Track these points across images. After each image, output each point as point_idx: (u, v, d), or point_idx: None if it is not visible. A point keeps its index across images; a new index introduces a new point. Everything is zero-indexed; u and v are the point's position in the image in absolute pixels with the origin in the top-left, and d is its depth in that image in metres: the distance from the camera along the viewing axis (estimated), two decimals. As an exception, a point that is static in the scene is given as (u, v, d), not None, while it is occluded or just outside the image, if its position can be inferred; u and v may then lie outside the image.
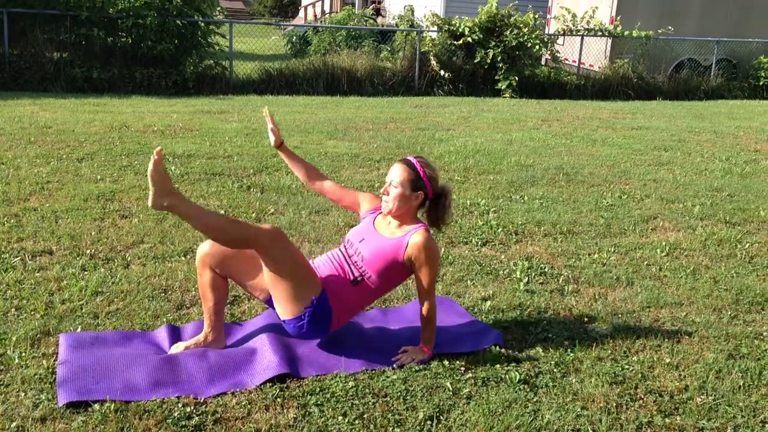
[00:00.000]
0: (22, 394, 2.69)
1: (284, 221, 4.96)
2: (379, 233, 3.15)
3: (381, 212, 3.21)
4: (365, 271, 3.08)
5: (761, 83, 15.09)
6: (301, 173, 3.50)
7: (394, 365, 3.02)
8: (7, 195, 5.26)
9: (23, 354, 2.99)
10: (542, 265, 4.34)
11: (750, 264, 4.56)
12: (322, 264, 3.15)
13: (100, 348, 3.04)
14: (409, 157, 3.18)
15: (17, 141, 7.13)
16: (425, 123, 9.70)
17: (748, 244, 4.94)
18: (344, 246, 3.21)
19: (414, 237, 3.03)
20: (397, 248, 3.05)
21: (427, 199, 3.16)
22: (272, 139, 3.48)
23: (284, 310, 2.99)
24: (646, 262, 4.50)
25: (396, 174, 3.10)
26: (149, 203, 2.89)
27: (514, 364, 3.09)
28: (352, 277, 3.08)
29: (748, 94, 15.07)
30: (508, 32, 13.27)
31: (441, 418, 2.68)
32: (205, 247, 3.11)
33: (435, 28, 13.78)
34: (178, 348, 3.11)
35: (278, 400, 2.74)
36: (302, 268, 2.97)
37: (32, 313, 3.38)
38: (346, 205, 3.47)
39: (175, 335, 3.25)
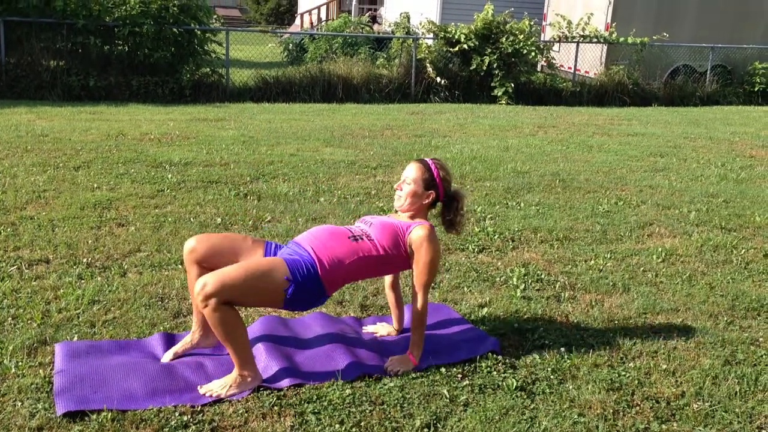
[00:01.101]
0: (19, 404, 2.69)
1: (281, 229, 4.96)
2: (392, 216, 3.27)
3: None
4: (368, 233, 3.10)
5: (756, 89, 15.15)
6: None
7: (387, 373, 3.02)
8: (3, 203, 5.26)
9: (20, 363, 2.98)
10: (539, 272, 4.35)
11: (746, 270, 4.57)
12: (310, 235, 3.11)
13: (97, 357, 3.04)
14: (426, 159, 3.28)
15: (14, 149, 7.13)
16: (422, 130, 9.72)
17: (743, 250, 4.95)
18: (358, 222, 3.27)
19: (419, 228, 3.09)
20: (403, 228, 3.11)
21: (438, 200, 3.25)
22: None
23: (275, 304, 2.95)
24: (642, 269, 4.51)
25: (411, 171, 3.21)
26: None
27: (510, 371, 3.09)
28: (351, 234, 3.07)
29: (743, 99, 15.12)
30: (504, 39, 13.32)
31: (438, 425, 2.68)
32: (191, 242, 3.07)
33: (431, 35, 13.82)
34: (167, 357, 3.09)
35: (275, 408, 2.74)
36: (255, 272, 2.84)
37: (29, 322, 3.37)
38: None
39: (171, 343, 3.24)
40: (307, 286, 2.91)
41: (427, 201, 3.20)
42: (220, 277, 2.75)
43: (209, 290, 2.71)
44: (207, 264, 3.04)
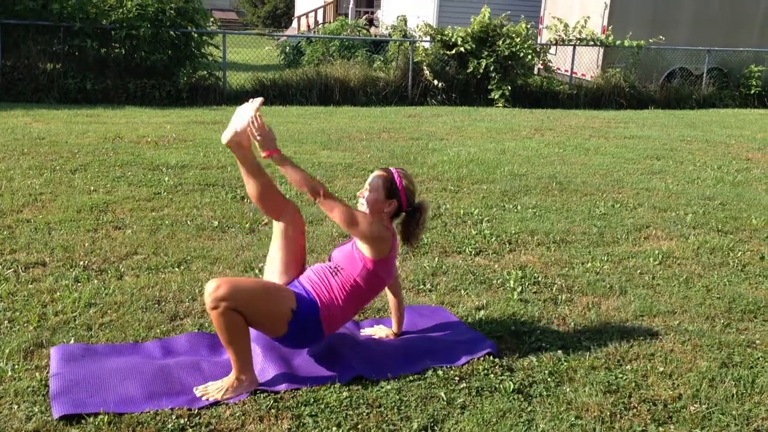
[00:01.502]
0: (15, 407, 2.68)
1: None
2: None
3: None
4: (338, 265, 3.12)
5: (752, 92, 15.18)
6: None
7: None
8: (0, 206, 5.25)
9: (16, 366, 2.98)
10: (536, 275, 4.35)
11: (742, 272, 4.58)
12: (308, 275, 3.14)
13: (93, 360, 3.03)
14: (389, 167, 3.26)
15: (10, 152, 7.12)
16: (418, 133, 9.73)
17: (740, 253, 4.96)
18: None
19: None
20: (353, 242, 3.15)
21: (402, 211, 3.21)
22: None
23: (272, 333, 2.97)
24: (639, 271, 4.51)
25: (373, 179, 3.20)
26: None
27: (508, 373, 3.09)
28: (331, 270, 3.10)
29: (739, 102, 15.16)
30: (501, 42, 13.33)
31: (435, 428, 2.68)
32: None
33: (428, 38, 13.84)
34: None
35: (272, 411, 2.74)
36: (268, 291, 2.92)
37: (25, 325, 3.37)
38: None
39: (167, 347, 3.24)
40: (307, 322, 2.96)
41: (388, 209, 3.16)
42: (235, 283, 2.79)
43: (221, 293, 2.73)
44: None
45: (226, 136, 3.11)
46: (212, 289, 2.74)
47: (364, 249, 3.07)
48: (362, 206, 3.18)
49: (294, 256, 3.18)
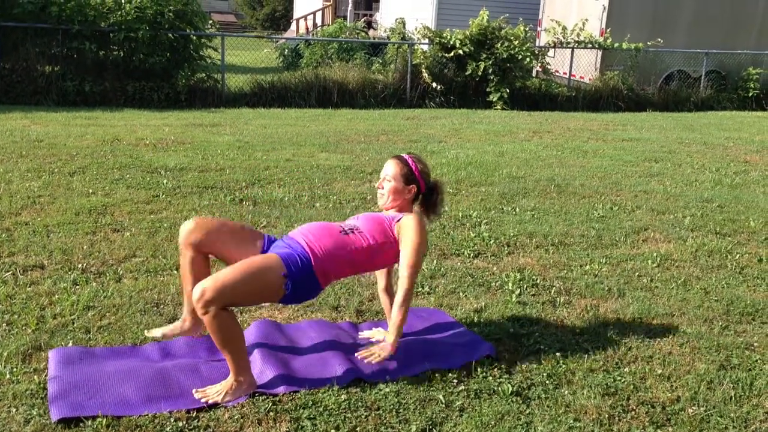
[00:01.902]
0: (14, 410, 2.68)
1: (276, 234, 4.96)
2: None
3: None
4: (357, 226, 3.15)
5: (750, 94, 15.20)
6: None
7: (364, 361, 3.07)
8: (-2, 209, 5.25)
9: (14, 369, 2.97)
10: (534, 277, 4.35)
11: (740, 275, 4.58)
12: (305, 229, 3.13)
13: (92, 363, 3.03)
14: (402, 154, 3.35)
15: (8, 155, 7.12)
16: (417, 135, 9.73)
17: (738, 255, 4.97)
18: (349, 219, 3.31)
19: (408, 216, 3.18)
20: (390, 219, 3.19)
21: (420, 193, 3.33)
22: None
23: (273, 300, 2.99)
24: (637, 273, 4.52)
25: (389, 169, 3.29)
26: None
27: (506, 376, 3.09)
28: (341, 229, 3.12)
29: (737, 105, 15.17)
30: (499, 45, 13.34)
31: (434, 431, 2.68)
32: (189, 224, 3.07)
33: (426, 40, 13.85)
34: (154, 333, 3.16)
35: (270, 414, 2.74)
36: (252, 273, 2.85)
37: (23, 327, 3.37)
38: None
39: (165, 349, 3.24)
40: (303, 279, 2.95)
41: (409, 195, 3.29)
42: (218, 283, 2.75)
43: (209, 297, 2.71)
44: (204, 249, 3.06)
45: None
46: (198, 295, 2.72)
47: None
48: (382, 197, 3.28)
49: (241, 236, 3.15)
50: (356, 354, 3.10)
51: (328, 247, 3.02)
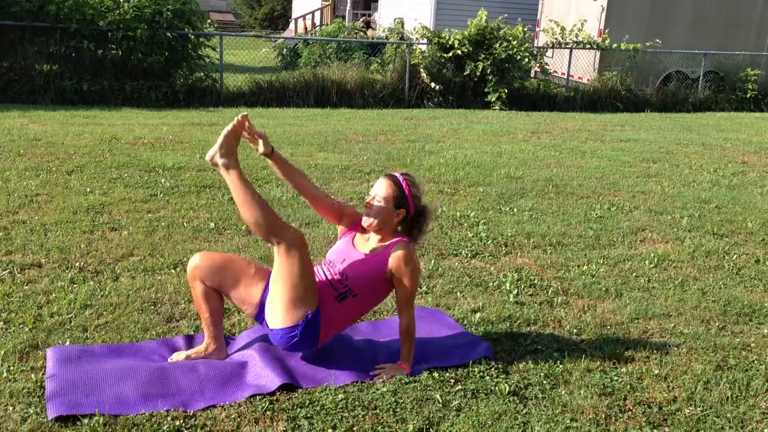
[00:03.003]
0: (11, 408, 2.68)
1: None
2: (361, 252, 3.15)
3: (357, 232, 3.24)
4: (350, 290, 3.07)
5: (748, 95, 15.22)
6: (293, 182, 3.37)
7: (373, 381, 3.02)
8: (-5, 208, 5.24)
9: (11, 368, 2.97)
10: (532, 277, 4.36)
11: (738, 275, 4.59)
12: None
13: (89, 361, 3.03)
14: (396, 174, 3.20)
15: (6, 153, 7.11)
16: (415, 135, 9.74)
17: (735, 256, 4.97)
18: (326, 266, 3.17)
19: (396, 250, 3.05)
20: (381, 263, 3.07)
21: (409, 216, 3.18)
22: (261, 147, 3.28)
23: (278, 318, 2.98)
24: (634, 274, 4.52)
25: (381, 189, 3.13)
26: (207, 155, 3.09)
27: (503, 376, 3.09)
28: (336, 293, 3.07)
29: (735, 106, 15.19)
30: (498, 45, 13.34)
31: (431, 430, 2.68)
32: (195, 260, 3.12)
33: (425, 40, 13.84)
34: (178, 356, 3.14)
35: (268, 413, 2.74)
36: (309, 280, 2.98)
37: (21, 326, 3.36)
38: (329, 217, 3.37)
39: (164, 347, 3.24)
40: (310, 331, 3.00)
41: (397, 219, 3.14)
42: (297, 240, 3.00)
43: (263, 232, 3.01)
44: (209, 282, 3.10)
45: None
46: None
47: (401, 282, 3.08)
48: (368, 218, 3.12)
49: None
50: (370, 373, 3.06)
51: (332, 324, 3.07)
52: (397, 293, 3.08)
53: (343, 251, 3.19)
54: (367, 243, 3.18)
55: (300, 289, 2.95)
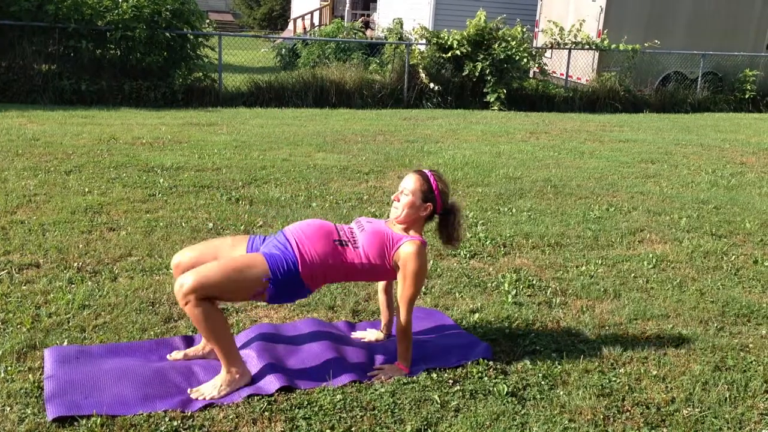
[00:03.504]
0: (8, 409, 2.67)
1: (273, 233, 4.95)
2: (388, 225, 3.19)
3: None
4: (356, 239, 3.08)
5: (747, 96, 15.24)
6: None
7: (371, 381, 3.01)
8: (-7, 208, 5.24)
9: (9, 368, 2.97)
10: (530, 278, 4.36)
11: (736, 276, 4.59)
12: (301, 228, 3.09)
13: (87, 362, 3.02)
14: (424, 169, 3.24)
15: (4, 153, 7.10)
16: (414, 135, 9.73)
17: (734, 257, 4.97)
18: (353, 223, 3.22)
19: (408, 244, 3.05)
20: (393, 241, 3.07)
21: (435, 213, 3.20)
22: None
23: (255, 299, 2.97)
24: (633, 275, 4.52)
25: (409, 182, 3.16)
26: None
27: (502, 376, 3.09)
28: (338, 237, 3.06)
29: (734, 107, 15.20)
30: (497, 45, 13.35)
31: (429, 431, 2.68)
32: (176, 258, 3.08)
33: (423, 41, 13.85)
34: (177, 355, 3.13)
35: (266, 413, 2.73)
36: (233, 269, 2.87)
37: (18, 326, 3.36)
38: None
39: (162, 347, 3.24)
40: (288, 283, 2.93)
41: (424, 213, 3.16)
42: (199, 276, 2.79)
43: (187, 288, 2.75)
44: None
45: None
46: (178, 287, 2.78)
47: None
48: (396, 210, 3.15)
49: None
50: (368, 373, 3.05)
51: (319, 254, 2.98)
52: (398, 287, 3.07)
53: (376, 221, 3.23)
54: (394, 227, 3.20)
55: (236, 285, 2.88)
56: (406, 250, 3.03)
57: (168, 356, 3.15)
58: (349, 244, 3.06)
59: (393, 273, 3.10)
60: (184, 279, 2.78)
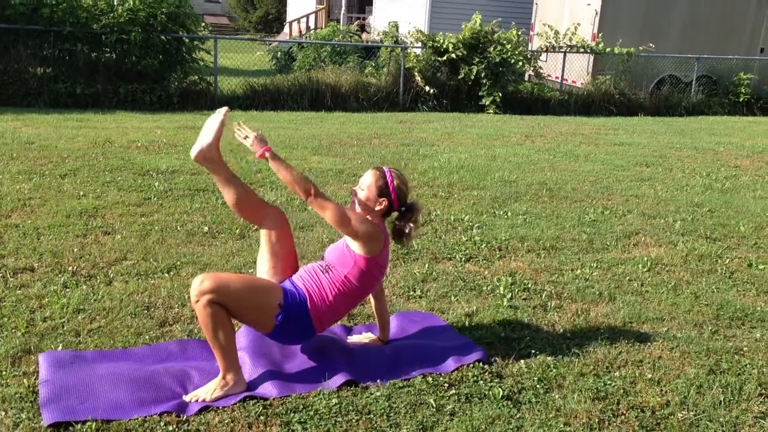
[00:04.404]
0: (3, 413, 2.67)
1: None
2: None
3: None
4: (329, 264, 3.17)
5: (741, 99, 15.29)
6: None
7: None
8: (-12, 211, 5.22)
9: (4, 373, 2.96)
10: (525, 281, 4.36)
11: (730, 279, 4.60)
12: (300, 273, 3.18)
13: (83, 367, 3.02)
14: (382, 166, 3.30)
15: (-1, 157, 7.09)
16: (409, 139, 9.74)
17: (728, 260, 4.99)
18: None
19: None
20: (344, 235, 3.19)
21: (393, 210, 3.25)
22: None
23: (261, 327, 3.01)
24: (628, 278, 4.53)
25: (365, 178, 3.25)
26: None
27: (497, 380, 3.10)
28: (322, 268, 3.14)
29: (728, 110, 15.25)
30: (492, 49, 13.38)
31: (424, 435, 2.68)
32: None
33: (419, 44, 13.87)
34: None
35: (261, 417, 2.73)
36: (253, 285, 2.97)
37: (13, 330, 3.35)
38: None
39: (156, 353, 3.23)
40: (296, 316, 2.99)
41: (379, 208, 3.20)
42: (219, 277, 2.84)
43: (206, 287, 2.78)
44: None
45: (194, 151, 3.17)
46: (198, 283, 2.80)
47: (356, 247, 3.11)
48: (352, 205, 3.24)
49: (282, 259, 3.18)
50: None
51: (322, 291, 3.06)
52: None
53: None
54: None
55: (252, 302, 2.95)
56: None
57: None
58: (329, 269, 3.13)
59: (367, 267, 3.12)
60: (206, 276, 2.82)
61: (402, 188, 3.24)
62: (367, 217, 3.18)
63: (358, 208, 3.21)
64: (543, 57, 15.00)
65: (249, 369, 3.05)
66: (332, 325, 3.31)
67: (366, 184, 3.22)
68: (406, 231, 3.26)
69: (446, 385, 3.03)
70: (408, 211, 3.27)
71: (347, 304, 3.16)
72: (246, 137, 3.18)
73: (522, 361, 3.28)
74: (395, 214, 3.28)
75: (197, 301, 2.80)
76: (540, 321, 3.79)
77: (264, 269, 3.16)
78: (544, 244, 5.14)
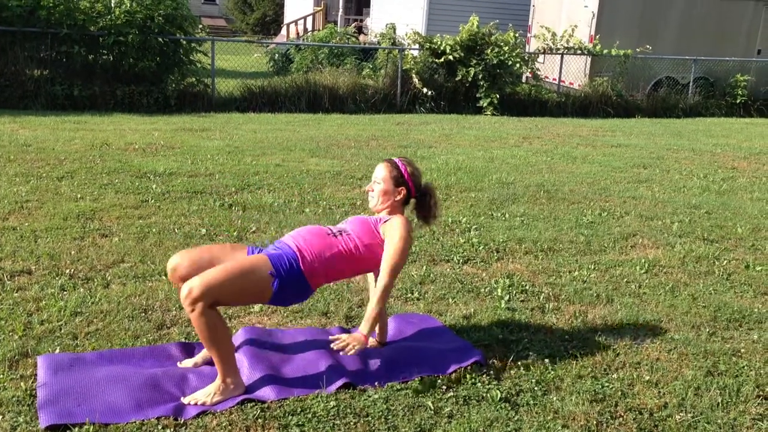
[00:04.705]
0: (0, 417, 2.66)
1: (266, 239, 4.95)
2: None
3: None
4: (345, 229, 3.19)
5: (738, 101, 15.32)
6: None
7: (340, 353, 3.00)
8: (-15, 214, 5.21)
9: (1, 376, 2.95)
10: (523, 283, 4.36)
11: (728, 281, 4.61)
12: (295, 233, 3.17)
13: (80, 369, 3.01)
14: (392, 158, 3.38)
15: (-4, 159, 7.08)
16: (407, 140, 9.75)
17: (725, 261, 4.99)
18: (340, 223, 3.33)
19: (395, 217, 3.19)
20: (377, 221, 3.22)
21: (411, 197, 3.34)
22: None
23: (261, 300, 3.01)
24: (625, 280, 4.54)
25: (379, 171, 3.33)
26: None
27: (495, 382, 3.10)
28: (330, 231, 3.15)
29: (725, 111, 15.28)
30: (489, 50, 13.40)
31: (422, 437, 2.68)
32: (173, 261, 3.07)
33: (416, 46, 13.88)
34: (187, 363, 3.13)
35: (259, 420, 2.73)
36: (239, 271, 2.89)
37: (10, 334, 3.34)
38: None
39: (155, 354, 3.23)
40: (291, 280, 2.97)
41: (399, 197, 3.30)
42: (205, 280, 2.79)
43: (196, 294, 2.75)
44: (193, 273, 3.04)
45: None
46: (186, 293, 2.77)
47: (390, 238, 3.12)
48: (372, 199, 3.31)
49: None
50: (331, 345, 2.96)
51: (316, 248, 3.05)
52: (384, 255, 3.07)
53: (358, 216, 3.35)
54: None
55: (243, 284, 2.90)
56: (393, 221, 3.16)
57: (179, 363, 3.15)
58: (341, 233, 3.15)
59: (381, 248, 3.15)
60: (192, 284, 2.78)
61: (416, 174, 3.35)
62: (398, 215, 3.21)
63: (379, 203, 3.28)
64: (540, 59, 15.01)
65: (247, 372, 3.05)
66: (328, 283, 3.23)
67: (381, 177, 3.30)
68: (432, 212, 3.37)
69: (444, 387, 3.02)
70: (424, 195, 3.37)
71: (342, 267, 3.11)
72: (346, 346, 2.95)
73: (520, 363, 3.28)
74: (413, 201, 3.37)
75: (192, 311, 2.78)
76: (538, 323, 3.79)
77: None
78: (542, 245, 5.14)
